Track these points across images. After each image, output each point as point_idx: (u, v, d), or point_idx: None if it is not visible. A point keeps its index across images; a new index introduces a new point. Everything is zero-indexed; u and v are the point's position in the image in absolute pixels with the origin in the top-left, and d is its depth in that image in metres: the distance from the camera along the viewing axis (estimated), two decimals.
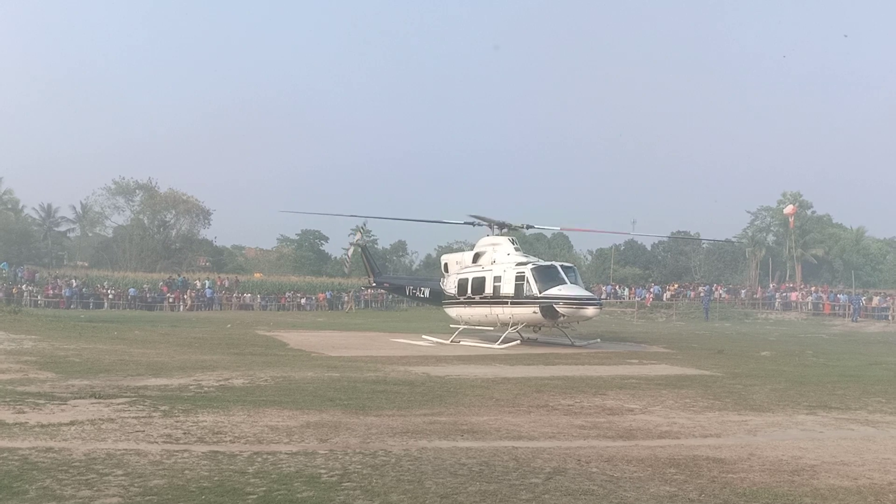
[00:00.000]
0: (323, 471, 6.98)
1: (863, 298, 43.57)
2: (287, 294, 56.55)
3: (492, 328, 25.14)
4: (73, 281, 52.68)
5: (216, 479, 6.64)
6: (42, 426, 8.67)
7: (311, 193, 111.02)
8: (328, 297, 56.71)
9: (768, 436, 9.33)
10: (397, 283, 34.74)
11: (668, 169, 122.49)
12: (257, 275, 67.25)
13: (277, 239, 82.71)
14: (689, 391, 13.10)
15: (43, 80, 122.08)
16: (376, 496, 6.23)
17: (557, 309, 22.34)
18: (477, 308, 24.87)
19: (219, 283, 56.82)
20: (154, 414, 9.69)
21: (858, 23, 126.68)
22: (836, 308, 44.19)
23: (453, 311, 26.31)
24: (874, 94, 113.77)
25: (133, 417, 9.41)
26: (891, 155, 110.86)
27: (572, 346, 23.74)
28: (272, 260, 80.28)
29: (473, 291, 24.90)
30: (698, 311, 45.45)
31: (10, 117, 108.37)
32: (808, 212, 68.26)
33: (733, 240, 70.18)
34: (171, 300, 51.64)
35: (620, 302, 50.73)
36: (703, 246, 69.68)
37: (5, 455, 7.21)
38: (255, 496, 6.17)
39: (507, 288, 23.62)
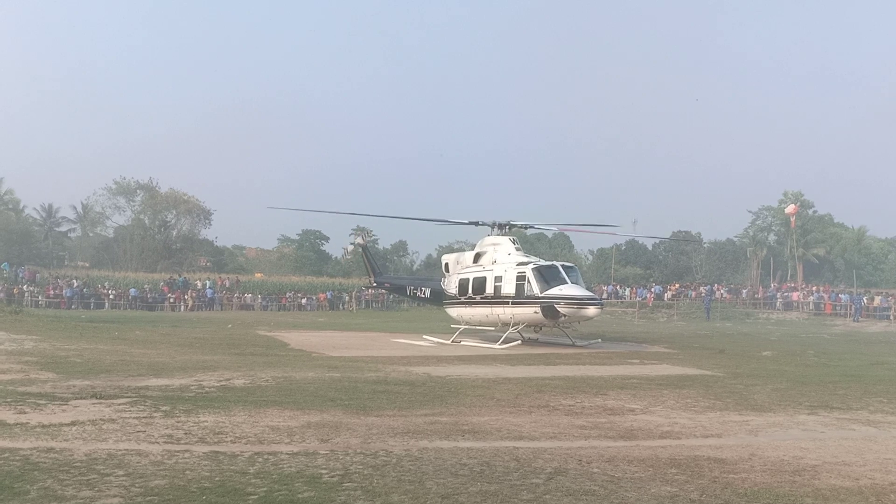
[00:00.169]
0: (324, 471, 6.99)
1: (864, 298, 43.50)
2: (288, 294, 56.53)
3: (493, 328, 25.12)
4: (74, 281, 52.69)
5: (217, 479, 6.64)
6: (43, 426, 8.68)
7: (312, 193, 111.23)
8: (329, 297, 56.70)
9: (770, 436, 9.32)
10: (398, 284, 34.73)
11: (669, 169, 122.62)
12: (258, 275, 67.27)
13: (278, 239, 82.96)
14: (691, 391, 13.10)
15: (43, 80, 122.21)
16: (377, 496, 6.23)
17: (558, 309, 22.33)
18: (478, 308, 24.87)
19: (219, 283, 56.80)
20: (155, 414, 9.70)
21: (859, 22, 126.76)
22: (838, 308, 44.13)
23: (454, 312, 26.30)
24: (875, 94, 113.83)
25: (134, 418, 9.42)
26: (892, 154, 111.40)
27: (573, 346, 23.73)
28: (273, 260, 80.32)
29: (474, 291, 24.89)
30: (699, 311, 45.41)
31: (11, 117, 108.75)
32: (810, 211, 68.17)
33: (735, 239, 70.31)
34: (171, 300, 51.61)
35: (621, 302, 50.71)
36: (705, 246, 69.70)
37: (7, 455, 7.22)
38: (257, 496, 6.17)
39: (508, 288, 23.61)
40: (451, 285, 26.37)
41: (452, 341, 24.30)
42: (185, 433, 8.55)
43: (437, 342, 24.14)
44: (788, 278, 61.36)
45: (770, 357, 20.75)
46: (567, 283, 22.81)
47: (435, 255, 67.62)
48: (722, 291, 52.04)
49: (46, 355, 16.70)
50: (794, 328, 37.53)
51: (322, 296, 56.68)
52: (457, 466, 7.27)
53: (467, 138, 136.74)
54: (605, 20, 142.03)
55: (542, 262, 24.49)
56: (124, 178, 69.00)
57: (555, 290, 22.53)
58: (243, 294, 55.33)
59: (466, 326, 25.33)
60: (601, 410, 10.98)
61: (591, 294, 24.59)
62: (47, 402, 10.42)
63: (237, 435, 8.55)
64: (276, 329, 30.07)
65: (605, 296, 46.77)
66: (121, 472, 6.76)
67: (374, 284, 34.78)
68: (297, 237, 78.46)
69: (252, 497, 6.16)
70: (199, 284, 55.25)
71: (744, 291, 52.88)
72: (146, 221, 69.56)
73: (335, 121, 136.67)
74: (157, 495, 6.13)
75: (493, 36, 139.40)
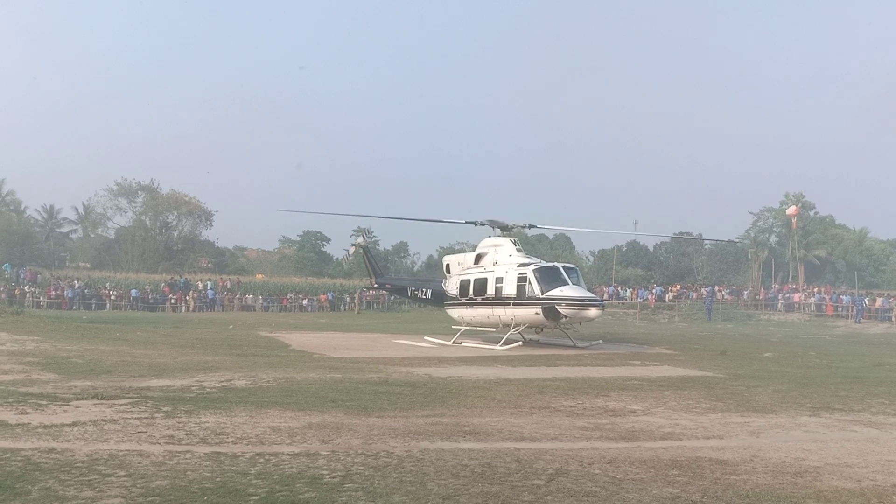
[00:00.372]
0: (325, 472, 6.99)
1: (866, 299, 43.43)
2: (289, 295, 56.59)
3: (494, 329, 25.11)
4: (76, 282, 52.77)
5: (218, 480, 6.64)
6: (45, 427, 8.69)
7: (312, 194, 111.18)
8: (330, 298, 56.74)
9: (771, 437, 9.31)
10: (399, 285, 34.71)
11: (669, 169, 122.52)
12: (259, 276, 67.28)
13: (279, 240, 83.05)
14: (692, 392, 13.08)
15: (44, 80, 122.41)
16: (378, 497, 6.23)
17: (560, 310, 22.33)
18: (479, 309, 24.86)
19: (221, 284, 56.84)
20: (156, 415, 9.71)
21: (859, 23, 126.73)
22: (839, 309, 44.08)
23: (455, 313, 26.30)
24: (877, 95, 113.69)
25: (135, 418, 9.43)
26: (894, 156, 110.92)
27: (574, 347, 23.72)
28: (274, 261, 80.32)
29: (475, 292, 24.88)
30: (701, 313, 45.35)
31: (12, 118, 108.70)
32: (811, 213, 68.10)
33: (736, 240, 70.23)
34: (173, 301, 51.64)
35: (622, 303, 50.69)
36: (706, 247, 69.64)
37: (8, 456, 7.23)
38: (258, 497, 6.17)
39: (510, 289, 23.60)
40: (452, 286, 26.36)
41: (454, 342, 24.29)
42: (187, 434, 8.56)
43: (439, 343, 24.13)
44: (790, 280, 61.33)
45: (771, 358, 20.73)
46: (568, 284, 22.81)
47: (436, 256, 67.72)
48: (723, 293, 52.01)
49: (48, 356, 16.72)
50: (795, 329, 37.49)
51: (323, 297, 56.74)
52: (458, 467, 7.27)
53: (467, 138, 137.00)
54: (604, 20, 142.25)
55: (544, 264, 24.48)
56: (125, 179, 69.21)
57: (556, 292, 22.53)
58: (244, 295, 55.35)
59: (467, 327, 25.33)
60: (602, 412, 10.98)
61: (592, 295, 24.58)
62: (49, 402, 10.43)
63: (238, 436, 8.56)
64: (277, 330, 30.07)
65: (606, 297, 46.72)
66: (122, 473, 6.76)
67: (376, 285, 34.77)
68: (299, 238, 78.62)
69: (253, 498, 6.16)
70: (201, 285, 55.32)
71: (745, 293, 52.84)
72: (147, 222, 69.64)
73: (335, 121, 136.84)
74: (158, 496, 6.13)
75: (492, 36, 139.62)
